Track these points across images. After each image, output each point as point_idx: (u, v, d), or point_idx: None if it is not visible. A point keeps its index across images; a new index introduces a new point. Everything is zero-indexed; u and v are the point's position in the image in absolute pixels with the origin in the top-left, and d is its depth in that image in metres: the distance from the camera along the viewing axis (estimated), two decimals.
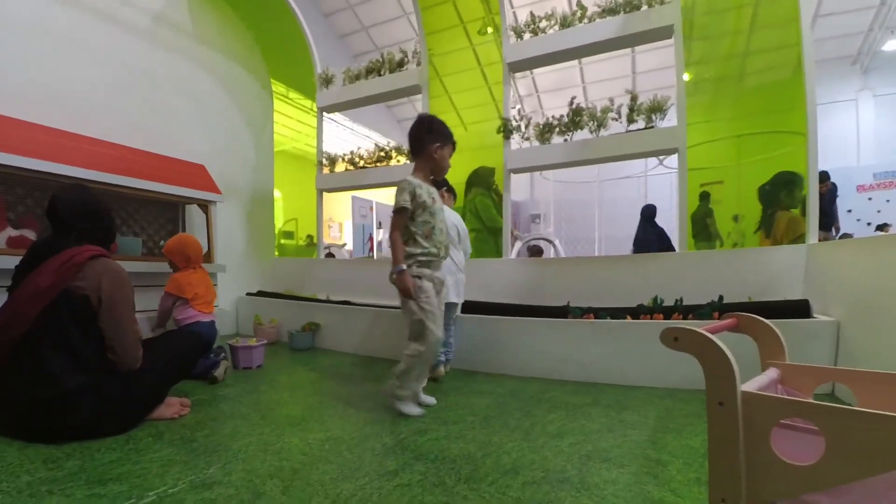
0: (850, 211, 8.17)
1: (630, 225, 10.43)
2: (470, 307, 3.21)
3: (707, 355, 0.69)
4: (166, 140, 3.87)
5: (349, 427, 1.88)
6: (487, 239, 4.20)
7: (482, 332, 2.99)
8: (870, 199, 8.56)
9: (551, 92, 11.40)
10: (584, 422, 1.94)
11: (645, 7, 3.26)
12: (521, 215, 12.46)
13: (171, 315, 2.68)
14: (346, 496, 1.29)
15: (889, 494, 0.66)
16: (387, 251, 9.63)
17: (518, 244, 5.03)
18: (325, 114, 5.02)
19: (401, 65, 4.40)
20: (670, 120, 3.21)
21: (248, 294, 4.55)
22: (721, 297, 2.64)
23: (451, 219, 2.76)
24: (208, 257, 3.72)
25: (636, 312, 2.75)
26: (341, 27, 10.51)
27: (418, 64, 4.29)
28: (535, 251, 5.46)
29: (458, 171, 4.23)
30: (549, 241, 5.76)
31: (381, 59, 4.49)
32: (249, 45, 4.93)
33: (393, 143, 4.68)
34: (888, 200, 8.28)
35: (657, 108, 3.18)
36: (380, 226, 9.69)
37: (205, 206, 3.77)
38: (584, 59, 10.44)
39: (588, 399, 2.28)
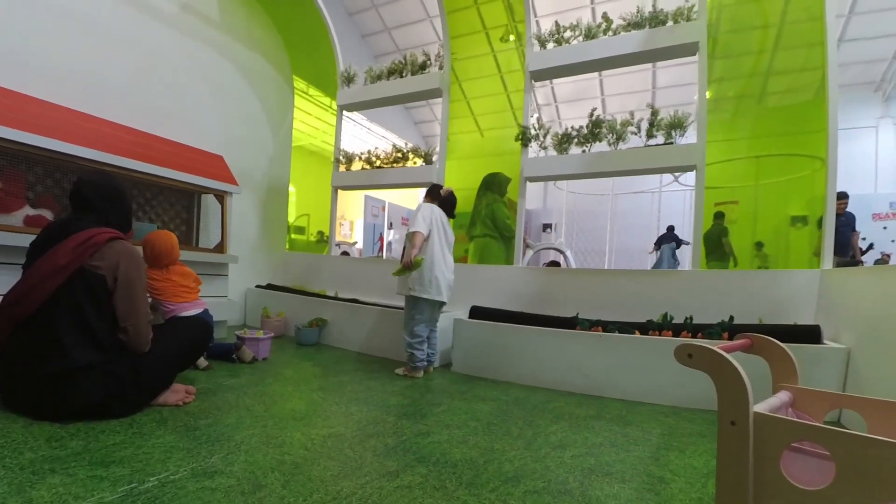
0: (864, 238, 8.04)
1: (642, 238, 10.38)
2: (479, 313, 3.21)
3: (721, 374, 0.68)
4: (186, 127, 3.92)
5: (352, 425, 1.89)
6: (500, 246, 4.20)
7: (489, 339, 2.99)
8: (885, 227, 8.43)
9: (569, 102, 11.38)
10: (588, 434, 1.93)
11: (670, 23, 3.25)
12: (533, 224, 12.42)
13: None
14: (346, 494, 1.29)
15: None
16: (396, 252, 9.69)
17: (529, 252, 5.02)
18: (344, 112, 5.06)
19: (423, 67, 4.43)
20: (689, 136, 3.19)
21: (257, 286, 4.59)
22: (731, 318, 2.61)
23: (437, 212, 2.98)
24: (220, 248, 3.76)
25: (645, 328, 2.73)
26: (365, 27, 10.59)
27: (440, 67, 4.31)
28: (553, 265, 5.44)
29: (472, 177, 4.24)
30: (560, 251, 5.74)
31: (403, 61, 4.53)
32: (274, 39, 4.99)
33: (410, 145, 4.71)
34: None
35: (677, 125, 3.17)
36: (391, 226, 9.72)
37: (221, 196, 3.81)
38: (605, 72, 10.43)
39: (592, 412, 2.27)
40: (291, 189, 5.61)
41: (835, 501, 0.61)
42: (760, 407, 0.70)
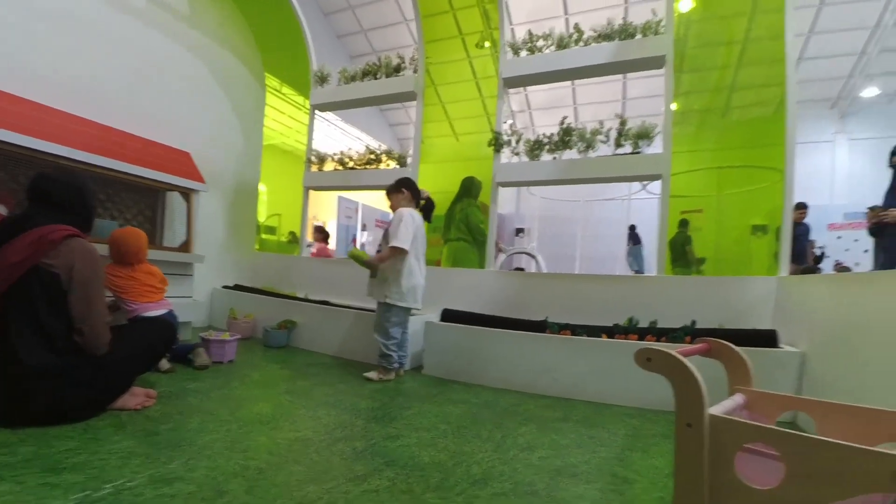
0: (822, 247, 8.46)
1: (611, 245, 10.62)
2: (450, 316, 3.22)
3: (678, 377, 0.70)
4: (152, 123, 3.80)
5: (320, 429, 1.86)
6: (474, 250, 4.22)
7: (461, 342, 3.00)
8: (839, 237, 8.88)
9: (543, 110, 11.57)
10: (556, 436, 1.95)
11: (639, 36, 3.35)
12: (506, 228, 12.54)
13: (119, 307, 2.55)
14: (312, 499, 1.27)
15: None
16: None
17: (502, 257, 5.07)
18: (317, 112, 5.00)
19: (398, 70, 4.42)
20: (656, 147, 3.29)
21: (224, 287, 4.47)
22: (694, 322, 2.70)
23: (418, 221, 2.91)
24: (186, 247, 3.65)
25: (612, 331, 2.79)
26: (340, 27, 10.51)
27: (415, 71, 4.31)
28: (517, 271, 5.51)
29: (447, 181, 4.26)
30: (532, 256, 5.81)
31: (378, 63, 4.51)
32: (246, 37, 4.90)
33: (384, 147, 4.69)
34: (856, 240, 8.59)
35: (644, 135, 3.26)
36: (364, 227, 9.65)
37: (187, 194, 3.71)
38: (577, 81, 10.65)
39: (560, 414, 2.30)
40: (262, 188, 5.51)
41: (784, 501, 0.64)
42: (716, 409, 0.72)
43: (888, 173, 3.15)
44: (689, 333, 2.59)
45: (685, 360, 0.70)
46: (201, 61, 4.36)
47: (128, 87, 3.68)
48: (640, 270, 8.70)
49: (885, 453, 0.56)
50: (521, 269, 5.81)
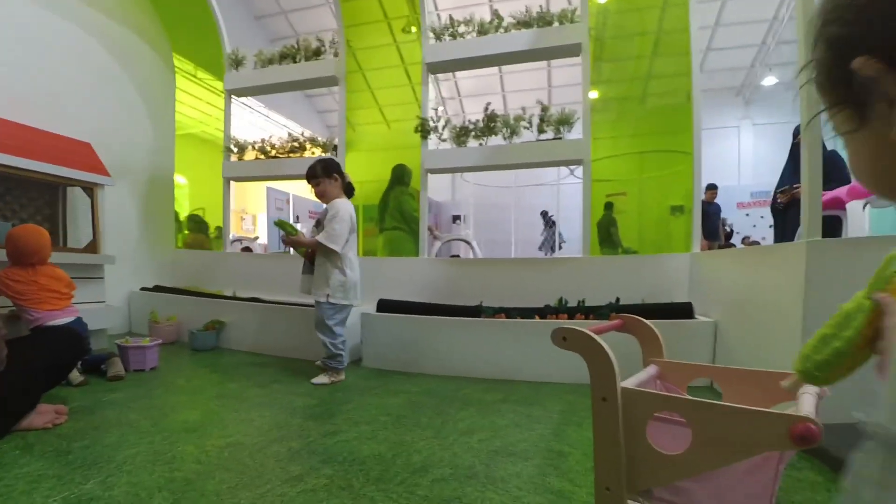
0: (731, 224, 9.30)
1: (541, 228, 10.99)
2: (386, 306, 3.19)
3: (591, 354, 0.74)
4: (47, 113, 3.40)
5: (252, 432, 1.79)
6: (409, 238, 4.20)
7: (398, 331, 2.99)
8: (747, 214, 9.79)
9: (473, 97, 11.66)
10: (495, 418, 2.01)
11: (556, 24, 3.44)
12: (443, 216, 12.58)
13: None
14: None
15: (747, 479, 0.76)
16: None
17: (437, 244, 5.09)
18: (235, 97, 4.71)
19: (317, 53, 4.25)
20: (578, 133, 3.43)
21: (142, 289, 4.15)
22: (618, 299, 2.87)
23: (354, 214, 2.70)
24: (93, 247, 3.33)
25: (543, 312, 2.90)
26: (258, 8, 9.91)
27: (336, 55, 4.17)
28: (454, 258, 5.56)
29: (380, 169, 4.19)
30: (467, 242, 5.89)
31: (296, 46, 4.31)
32: (149, 14, 4.49)
33: (308, 134, 4.51)
34: (762, 217, 9.52)
35: (565, 121, 3.38)
36: (297, 220, 9.31)
37: (90, 189, 3.37)
38: (504, 69, 10.80)
39: (500, 396, 2.36)
40: (182, 181, 5.13)
41: (693, 464, 0.69)
42: (629, 382, 0.77)
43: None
44: (615, 310, 2.75)
45: (598, 338, 0.74)
46: (97, 41, 3.94)
47: (9, 70, 3.26)
48: (551, 250, 9.31)
49: (778, 414, 0.61)
50: (457, 256, 5.88)
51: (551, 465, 1.52)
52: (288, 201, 9.13)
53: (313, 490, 1.32)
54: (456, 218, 11.71)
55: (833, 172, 2.62)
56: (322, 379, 2.58)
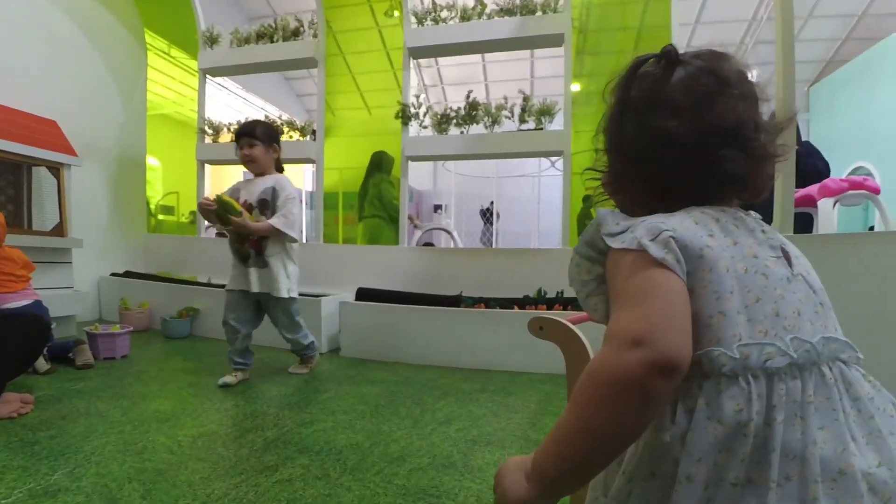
0: None
1: (524, 222, 11.04)
2: (365, 295, 3.17)
3: (567, 344, 0.74)
4: (9, 89, 3.23)
5: (227, 421, 1.76)
6: (389, 226, 4.17)
7: (377, 320, 2.97)
8: None
9: (456, 85, 11.57)
10: (473, 407, 2.02)
11: (539, 13, 3.42)
12: (424, 205, 12.51)
13: None
14: (218, 496, 1.20)
15: None
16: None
17: (418, 233, 5.07)
18: (210, 77, 4.56)
19: (296, 34, 4.14)
20: (559, 124, 3.43)
21: (112, 274, 4.02)
22: None
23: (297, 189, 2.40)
24: (59, 230, 3.21)
25: (523, 303, 2.93)
26: None
27: (315, 36, 4.07)
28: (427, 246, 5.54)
29: (360, 155, 4.14)
30: (448, 232, 5.88)
31: (273, 25, 4.19)
32: None
33: (285, 117, 4.40)
34: None
35: (546, 112, 3.38)
36: None
37: (56, 168, 3.23)
38: (487, 58, 10.72)
39: (478, 385, 2.38)
40: (155, 163, 4.97)
41: None
42: None
43: None
44: None
45: (574, 328, 0.75)
46: (64, 14, 3.75)
47: None
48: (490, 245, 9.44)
49: None
50: (429, 245, 5.86)
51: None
52: None
53: (289, 480, 1.31)
54: (437, 207, 11.67)
55: (805, 163, 2.68)
56: (298, 368, 2.50)
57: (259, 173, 2.35)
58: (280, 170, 2.43)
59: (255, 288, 2.27)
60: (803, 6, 9.98)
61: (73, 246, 3.25)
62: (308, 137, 4.10)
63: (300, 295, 3.20)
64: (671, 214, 0.50)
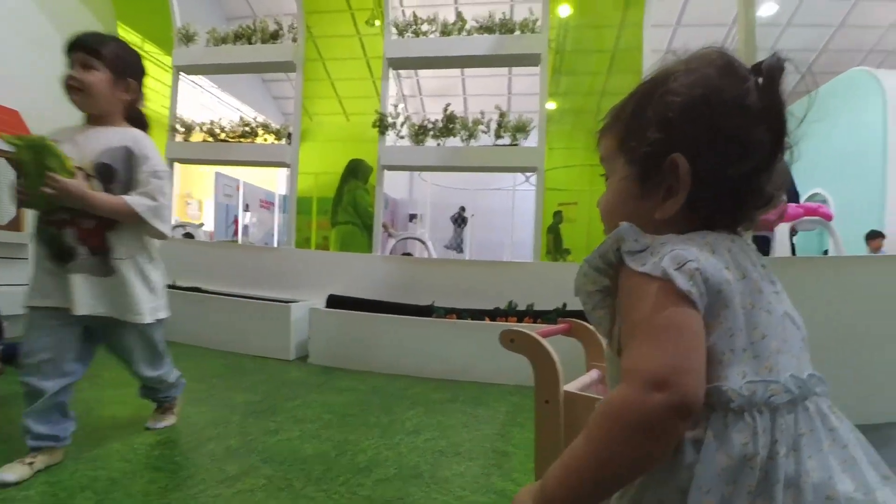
0: None
1: (499, 234, 11.16)
2: (336, 302, 3.14)
3: (537, 357, 0.75)
4: None
5: (187, 429, 1.70)
6: (363, 234, 4.15)
7: (348, 328, 2.94)
8: None
9: (434, 97, 11.68)
10: (442, 418, 2.02)
11: (518, 32, 3.51)
12: (400, 214, 12.51)
13: None
14: None
15: None
16: (253, 234, 8.93)
17: (392, 241, 5.06)
18: (184, 75, 4.47)
19: (275, 37, 4.11)
20: (533, 141, 3.51)
21: None
22: (565, 304, 2.96)
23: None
24: (16, 224, 3.06)
25: (494, 315, 2.95)
26: None
27: (294, 40, 4.06)
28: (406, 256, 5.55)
29: (336, 161, 4.11)
30: (422, 242, 5.89)
31: (252, 27, 4.16)
32: None
33: (261, 119, 4.35)
34: None
35: (521, 128, 3.47)
36: (247, 208, 8.96)
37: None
38: (466, 72, 10.89)
39: (448, 395, 2.38)
40: None
41: None
42: (572, 385, 0.79)
43: None
44: (561, 315, 2.84)
45: (543, 341, 0.76)
46: (34, 4, 3.63)
47: None
48: (460, 249, 9.57)
49: None
50: (409, 255, 5.86)
51: (495, 466, 1.55)
52: (238, 188, 8.76)
53: (251, 490, 1.27)
54: (413, 216, 11.68)
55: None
56: (167, 419, 1.74)
57: (96, 118, 1.45)
58: (139, 124, 1.53)
59: (84, 308, 1.36)
60: (768, 38, 10.56)
61: (31, 241, 3.10)
62: (283, 141, 4.06)
63: (266, 300, 3.19)
64: (688, 239, 0.49)
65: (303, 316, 3.11)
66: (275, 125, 4.28)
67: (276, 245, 8.41)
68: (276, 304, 3.18)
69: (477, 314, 2.93)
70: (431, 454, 1.61)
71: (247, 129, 4.21)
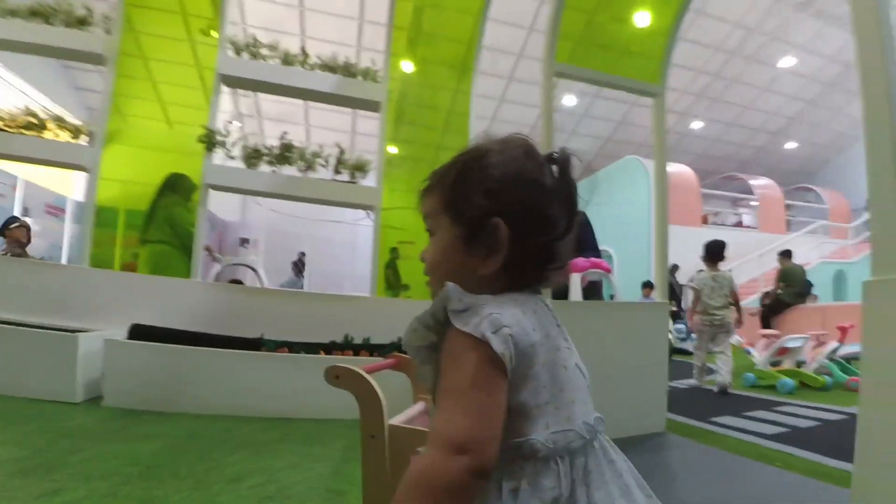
0: None
1: (340, 265, 10.94)
2: (142, 333, 2.75)
3: (361, 393, 0.79)
4: None
5: None
6: (181, 256, 3.71)
7: (156, 363, 2.61)
8: None
9: (275, 121, 11.21)
10: (271, 460, 1.91)
11: (360, 78, 3.70)
12: (230, 237, 11.47)
13: None
14: None
15: None
16: (32, 246, 7.12)
17: (217, 267, 4.60)
18: None
19: (82, 23, 3.58)
20: (372, 181, 3.68)
21: None
22: (400, 339, 3.10)
23: None
24: None
25: (329, 348, 2.93)
26: None
27: (108, 32, 3.59)
28: (235, 283, 5.11)
29: (152, 170, 3.66)
30: (252, 269, 5.50)
31: (54, 7, 3.56)
32: None
33: (55, 110, 3.68)
34: None
35: (360, 168, 3.63)
36: (26, 213, 7.19)
37: None
38: (311, 103, 10.80)
39: (278, 435, 2.25)
40: None
41: None
42: (398, 419, 0.86)
43: None
44: (397, 348, 2.96)
45: (368, 377, 0.79)
46: None
47: None
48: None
49: None
50: (239, 282, 5.42)
51: None
52: (14, 187, 6.99)
53: None
54: (244, 241, 10.78)
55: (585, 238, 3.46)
56: None
57: None
58: None
59: None
60: (569, 122, 12.93)
61: None
62: (82, 140, 3.49)
63: (46, 329, 2.67)
64: (501, 303, 0.54)
65: (95, 349, 2.65)
66: (73, 120, 3.65)
67: (64, 262, 6.93)
68: (59, 333, 2.66)
69: (311, 348, 2.87)
70: (257, 502, 1.53)
71: (32, 119, 3.51)
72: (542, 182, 0.58)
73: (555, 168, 0.60)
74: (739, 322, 4.05)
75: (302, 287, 9.93)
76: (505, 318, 0.51)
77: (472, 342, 0.50)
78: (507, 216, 0.56)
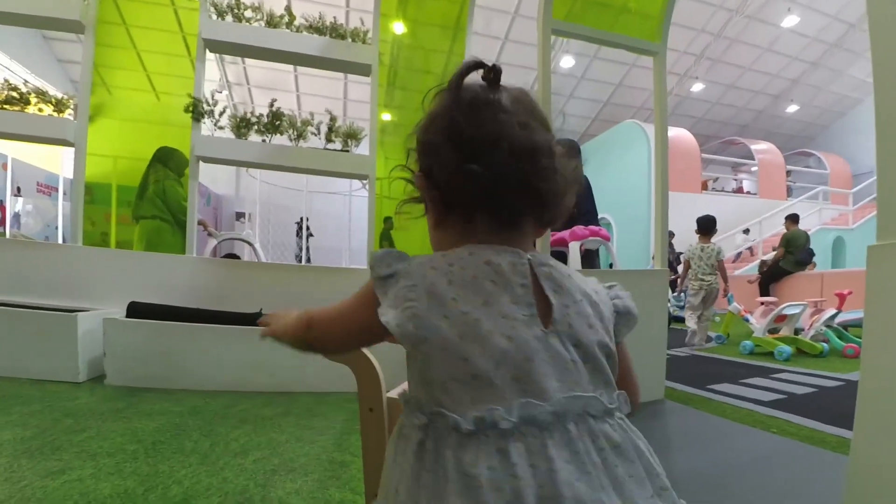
0: None
1: (335, 238, 10.88)
2: (140, 311, 2.73)
3: (358, 366, 0.76)
4: None
5: None
6: (175, 232, 3.66)
7: (156, 341, 2.59)
8: None
9: (264, 89, 10.93)
10: (274, 434, 1.92)
11: (349, 39, 3.54)
12: (225, 212, 11.38)
13: None
14: None
15: None
16: (28, 225, 7.06)
17: (213, 242, 4.56)
18: None
19: None
20: (365, 149, 3.56)
21: None
22: None
23: None
24: None
25: None
26: None
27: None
28: (231, 258, 5.06)
29: (141, 144, 3.57)
30: (249, 243, 5.45)
31: None
32: None
33: (36, 83, 3.55)
34: None
35: (353, 135, 3.52)
36: (18, 192, 7.09)
37: None
38: (300, 69, 10.49)
39: (280, 409, 2.27)
40: None
41: None
42: (395, 392, 0.84)
43: None
44: None
45: (365, 352, 0.77)
46: None
47: None
48: (309, 260, 9.97)
49: None
50: (236, 257, 5.38)
51: (333, 477, 1.54)
52: (5, 166, 6.87)
53: None
54: (240, 215, 10.69)
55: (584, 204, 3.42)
56: None
57: None
58: None
59: None
60: (567, 85, 12.58)
61: None
62: (67, 114, 3.39)
63: (46, 309, 2.66)
64: (436, 265, 0.54)
65: (95, 328, 2.64)
66: (56, 93, 3.53)
67: (60, 240, 6.88)
68: (57, 313, 2.64)
69: None
70: (262, 474, 1.54)
71: (14, 94, 3.38)
72: (443, 118, 0.58)
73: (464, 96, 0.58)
74: (725, 290, 4.72)
75: (303, 249, 9.84)
76: (417, 292, 0.52)
77: (374, 298, 0.57)
78: (424, 169, 0.60)
